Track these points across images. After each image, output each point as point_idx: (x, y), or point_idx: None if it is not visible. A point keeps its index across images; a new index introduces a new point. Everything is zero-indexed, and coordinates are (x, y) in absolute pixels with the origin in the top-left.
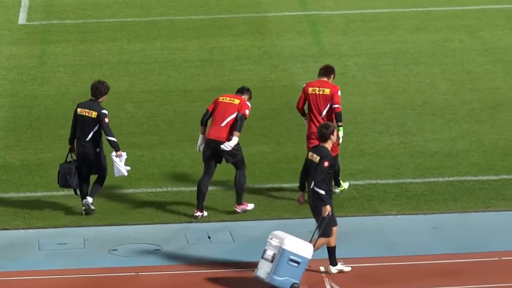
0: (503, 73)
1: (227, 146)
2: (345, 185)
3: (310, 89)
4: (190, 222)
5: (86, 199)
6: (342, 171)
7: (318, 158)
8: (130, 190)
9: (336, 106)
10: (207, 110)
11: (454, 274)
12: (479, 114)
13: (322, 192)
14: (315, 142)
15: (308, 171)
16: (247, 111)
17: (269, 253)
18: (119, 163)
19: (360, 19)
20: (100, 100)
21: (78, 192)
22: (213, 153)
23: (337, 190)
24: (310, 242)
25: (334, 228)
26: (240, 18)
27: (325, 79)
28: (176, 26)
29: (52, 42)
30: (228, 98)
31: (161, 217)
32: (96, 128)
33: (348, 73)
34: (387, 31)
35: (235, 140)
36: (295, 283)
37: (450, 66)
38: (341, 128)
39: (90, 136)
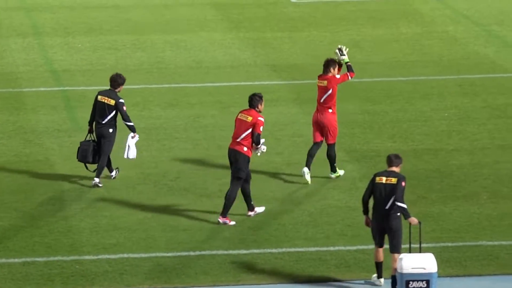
0: None
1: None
2: (340, 172)
3: (317, 81)
4: None
5: (94, 180)
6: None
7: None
8: None
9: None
10: None
11: None
12: None
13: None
14: (317, 130)
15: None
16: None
17: None
18: (132, 146)
19: None
20: (117, 90)
21: (90, 168)
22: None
23: (333, 176)
24: None
25: None
26: None
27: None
28: None
29: None
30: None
31: None
32: (112, 113)
33: None
34: (140, 107)
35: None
36: None
37: (202, 141)
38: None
39: (106, 119)
